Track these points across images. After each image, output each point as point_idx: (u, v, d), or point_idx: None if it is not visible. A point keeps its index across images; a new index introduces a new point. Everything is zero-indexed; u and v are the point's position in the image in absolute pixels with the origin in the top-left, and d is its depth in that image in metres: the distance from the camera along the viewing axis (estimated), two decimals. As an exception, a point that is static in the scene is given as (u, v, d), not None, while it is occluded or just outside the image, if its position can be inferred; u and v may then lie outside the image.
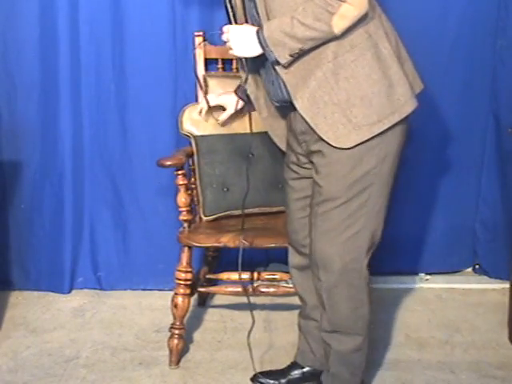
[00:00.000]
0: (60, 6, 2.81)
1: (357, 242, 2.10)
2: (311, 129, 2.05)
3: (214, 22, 2.80)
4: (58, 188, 3.00)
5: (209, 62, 2.83)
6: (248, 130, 2.50)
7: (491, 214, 3.09)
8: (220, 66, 2.83)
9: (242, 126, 2.58)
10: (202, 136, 2.56)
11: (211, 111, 2.56)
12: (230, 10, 2.15)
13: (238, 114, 2.57)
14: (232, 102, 2.53)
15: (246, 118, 2.55)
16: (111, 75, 2.91)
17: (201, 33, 2.79)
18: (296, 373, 2.40)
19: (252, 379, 2.39)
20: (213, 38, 2.71)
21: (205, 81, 2.78)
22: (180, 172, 2.49)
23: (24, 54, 2.87)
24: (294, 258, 2.35)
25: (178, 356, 2.53)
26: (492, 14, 2.88)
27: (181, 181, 2.50)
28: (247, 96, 2.36)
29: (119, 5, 2.83)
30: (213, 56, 2.82)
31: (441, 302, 3.00)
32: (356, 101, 2.01)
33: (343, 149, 2.03)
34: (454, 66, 2.92)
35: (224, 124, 2.57)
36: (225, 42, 2.12)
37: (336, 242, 2.09)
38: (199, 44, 2.75)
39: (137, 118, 2.96)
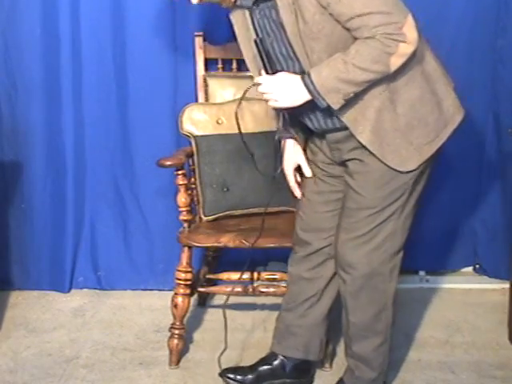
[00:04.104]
0: (61, 5, 2.81)
1: (384, 247, 2.13)
2: (354, 141, 2.04)
3: (214, 22, 2.80)
4: (58, 188, 3.00)
5: (209, 62, 2.83)
6: (249, 130, 2.52)
7: (491, 213, 3.09)
8: (220, 66, 2.84)
9: (242, 127, 2.57)
10: (202, 136, 2.56)
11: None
12: (264, 56, 2.06)
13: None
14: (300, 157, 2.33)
15: (248, 118, 2.56)
16: (112, 75, 2.91)
17: (201, 33, 2.80)
18: (265, 368, 2.39)
19: (220, 374, 2.38)
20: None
21: (205, 81, 2.79)
22: (180, 172, 2.49)
23: (25, 54, 2.87)
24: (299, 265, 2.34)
25: (177, 356, 2.53)
26: (492, 13, 2.88)
27: (181, 181, 2.50)
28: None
29: (120, 5, 2.84)
30: (213, 56, 2.82)
31: (441, 302, 3.00)
32: (414, 122, 2.03)
33: (408, 172, 2.05)
34: (454, 65, 2.90)
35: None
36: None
37: (366, 248, 2.12)
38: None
39: (137, 118, 2.96)
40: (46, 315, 2.90)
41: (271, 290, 2.56)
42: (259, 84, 2.04)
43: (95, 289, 3.10)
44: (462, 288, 3.11)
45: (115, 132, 2.97)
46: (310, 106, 2.05)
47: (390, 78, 1.98)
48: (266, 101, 2.06)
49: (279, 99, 2.02)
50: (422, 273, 3.15)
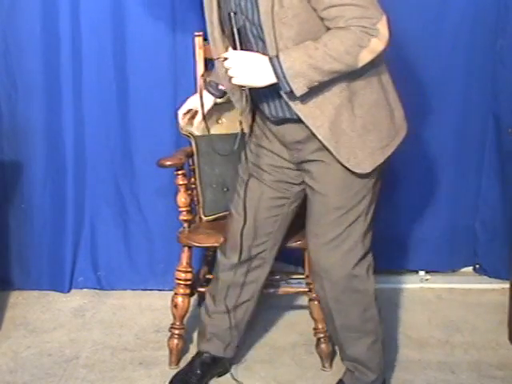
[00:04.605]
0: (61, 3, 2.81)
1: (357, 249, 2.14)
2: (318, 141, 2.04)
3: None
4: (58, 188, 3.00)
5: (209, 62, 2.83)
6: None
7: (491, 214, 3.09)
8: (220, 65, 2.83)
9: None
10: (202, 136, 2.56)
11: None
12: (236, 33, 2.01)
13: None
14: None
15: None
16: (112, 75, 2.91)
17: (201, 33, 2.79)
18: (203, 368, 2.43)
19: None
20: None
21: (205, 81, 2.78)
22: (180, 172, 2.49)
23: (25, 53, 2.87)
24: (227, 263, 2.33)
25: (177, 356, 2.53)
26: (492, 13, 2.88)
27: (181, 181, 2.50)
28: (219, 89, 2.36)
29: (120, 4, 2.83)
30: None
31: (441, 302, 3.00)
32: (370, 126, 2.05)
33: (363, 174, 2.06)
34: (454, 66, 2.92)
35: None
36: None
37: (339, 251, 2.12)
38: (201, 75, 2.63)
39: (137, 118, 2.96)
40: (46, 315, 2.90)
41: (271, 290, 2.56)
42: (226, 59, 1.99)
43: (95, 289, 3.10)
44: (462, 288, 3.11)
45: (115, 131, 2.97)
46: (272, 92, 2.03)
47: (350, 78, 1.99)
48: (230, 78, 2.00)
49: (240, 75, 1.97)
50: (421, 273, 3.16)
